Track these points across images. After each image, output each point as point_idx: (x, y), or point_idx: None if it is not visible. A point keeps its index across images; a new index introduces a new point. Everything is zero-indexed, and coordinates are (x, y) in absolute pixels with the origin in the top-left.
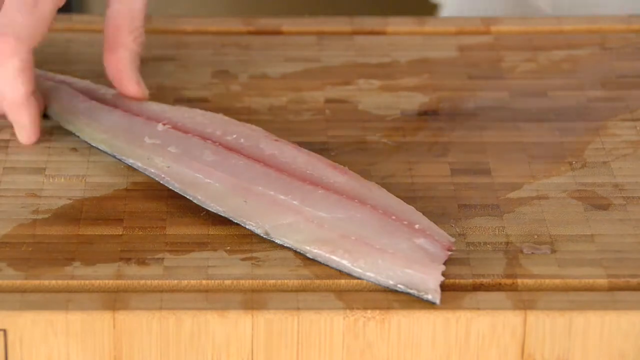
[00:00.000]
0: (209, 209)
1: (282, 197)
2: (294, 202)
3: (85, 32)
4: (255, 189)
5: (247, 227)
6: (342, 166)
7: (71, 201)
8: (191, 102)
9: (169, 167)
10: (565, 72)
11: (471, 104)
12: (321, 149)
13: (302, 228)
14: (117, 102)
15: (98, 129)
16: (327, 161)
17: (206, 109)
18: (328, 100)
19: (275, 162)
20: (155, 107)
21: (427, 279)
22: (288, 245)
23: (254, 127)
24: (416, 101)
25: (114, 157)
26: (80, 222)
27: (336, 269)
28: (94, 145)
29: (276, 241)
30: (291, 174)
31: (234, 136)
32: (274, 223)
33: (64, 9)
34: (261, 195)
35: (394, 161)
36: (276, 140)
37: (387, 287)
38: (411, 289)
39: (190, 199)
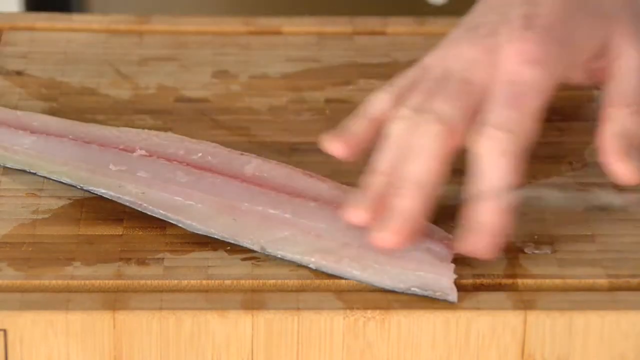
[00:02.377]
0: (197, 231)
1: (272, 211)
2: (286, 215)
3: (85, 32)
4: (241, 205)
5: (242, 245)
6: (317, 174)
7: (71, 201)
8: (191, 102)
9: (143, 193)
10: None
11: None
12: (321, 149)
13: (300, 240)
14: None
15: (55, 161)
16: (301, 171)
17: (206, 109)
18: (328, 100)
19: (252, 178)
20: (107, 132)
21: (441, 279)
22: (288, 259)
23: (213, 144)
24: None
25: (81, 188)
26: (80, 222)
27: (342, 278)
28: (54, 179)
29: (275, 255)
30: (274, 188)
31: (200, 155)
32: (269, 238)
33: (64, 9)
34: (250, 212)
35: None
36: (242, 154)
37: (401, 292)
38: (426, 290)
39: (175, 223)
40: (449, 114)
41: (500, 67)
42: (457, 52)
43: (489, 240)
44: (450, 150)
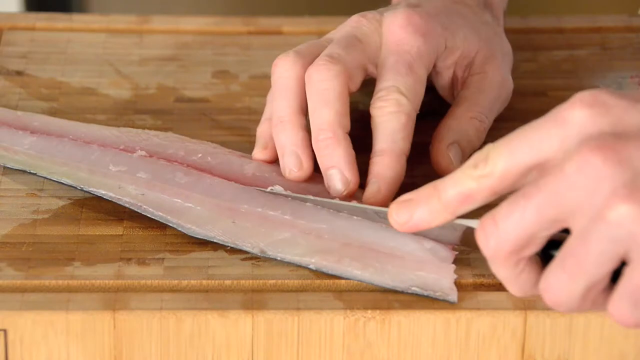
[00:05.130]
0: (197, 235)
1: (271, 212)
2: (286, 216)
3: (85, 32)
4: (240, 207)
5: (241, 249)
6: (317, 174)
7: (71, 201)
8: (191, 102)
9: (143, 194)
10: (565, 72)
11: None
12: None
13: (300, 241)
14: (50, 129)
15: (55, 162)
16: None
17: (206, 109)
18: None
19: (252, 178)
20: (107, 132)
21: (441, 279)
22: (288, 261)
23: (213, 144)
24: None
25: (81, 189)
26: (80, 222)
27: (343, 278)
28: (54, 179)
29: (276, 257)
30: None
31: (200, 155)
32: (269, 240)
33: (64, 9)
34: (249, 214)
35: None
36: (242, 156)
37: (401, 291)
38: (426, 290)
39: (175, 227)
40: (343, 55)
41: (385, 37)
42: (350, 21)
43: (387, 189)
44: (349, 91)
